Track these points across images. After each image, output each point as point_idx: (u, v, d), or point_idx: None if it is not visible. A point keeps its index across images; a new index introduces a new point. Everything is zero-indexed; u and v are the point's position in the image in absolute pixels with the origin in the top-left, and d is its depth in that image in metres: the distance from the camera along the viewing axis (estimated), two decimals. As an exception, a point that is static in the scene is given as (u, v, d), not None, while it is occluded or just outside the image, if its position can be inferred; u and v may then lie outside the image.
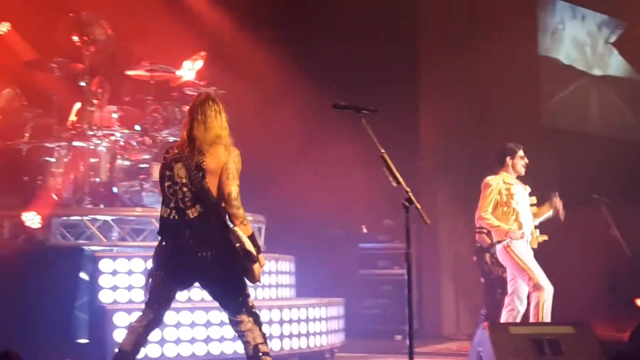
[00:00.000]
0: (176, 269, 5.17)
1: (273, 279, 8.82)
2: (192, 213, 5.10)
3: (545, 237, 9.42)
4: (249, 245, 5.09)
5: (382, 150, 5.07)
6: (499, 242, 7.63)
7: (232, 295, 5.16)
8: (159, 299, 5.22)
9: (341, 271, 11.68)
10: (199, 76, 9.64)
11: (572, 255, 9.75)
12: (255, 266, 5.12)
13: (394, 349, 9.80)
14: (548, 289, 7.43)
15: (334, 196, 11.35)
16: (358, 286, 11.68)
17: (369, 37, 11.83)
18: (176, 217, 5.13)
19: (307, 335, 8.34)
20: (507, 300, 7.68)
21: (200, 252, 5.08)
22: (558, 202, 7.94)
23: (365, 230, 11.98)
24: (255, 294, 8.49)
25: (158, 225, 5.31)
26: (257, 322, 5.19)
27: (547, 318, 7.42)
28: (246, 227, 5.12)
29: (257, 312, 5.25)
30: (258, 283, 8.23)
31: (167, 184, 5.19)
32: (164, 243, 5.22)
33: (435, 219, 10.02)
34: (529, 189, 7.93)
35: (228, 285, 5.15)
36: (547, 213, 8.58)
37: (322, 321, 8.60)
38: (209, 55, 9.76)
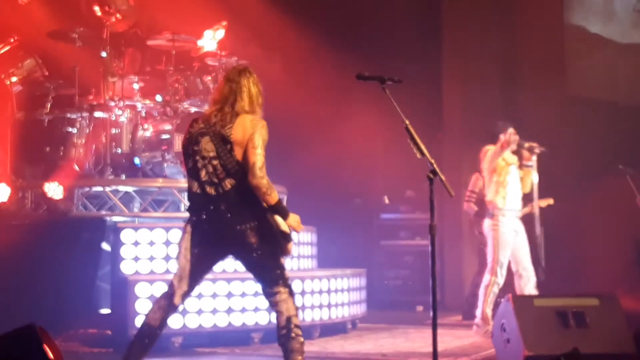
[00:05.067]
0: (213, 243, 5.10)
1: (294, 250, 8.79)
2: (225, 186, 5.03)
3: (550, 201, 9.57)
4: (283, 226, 5.07)
5: (407, 122, 5.00)
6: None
7: (271, 268, 5.11)
8: (194, 276, 5.14)
9: (363, 242, 11.67)
10: (221, 46, 9.58)
11: (597, 226, 9.68)
12: (289, 243, 5.11)
13: (415, 319, 9.81)
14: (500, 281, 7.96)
15: (356, 167, 11.30)
16: (379, 257, 11.67)
17: (393, 6, 11.70)
18: (209, 191, 5.06)
19: (329, 306, 8.34)
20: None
21: (239, 225, 5.01)
22: None
23: (387, 201, 11.94)
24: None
25: (187, 201, 5.23)
26: (292, 293, 5.16)
27: (489, 305, 7.94)
28: (271, 196, 5.06)
29: (291, 284, 5.22)
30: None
31: (195, 158, 5.13)
32: (195, 219, 5.12)
33: (459, 190, 9.92)
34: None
35: (266, 258, 5.09)
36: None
37: (343, 292, 8.59)
38: (230, 24, 9.68)
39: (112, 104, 8.79)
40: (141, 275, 7.45)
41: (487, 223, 8.18)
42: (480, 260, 10.22)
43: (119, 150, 8.87)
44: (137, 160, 8.75)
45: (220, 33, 9.61)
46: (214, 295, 7.49)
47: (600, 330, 5.97)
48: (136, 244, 7.60)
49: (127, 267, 7.53)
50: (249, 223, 5.02)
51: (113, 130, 8.83)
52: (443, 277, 11.92)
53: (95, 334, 7.68)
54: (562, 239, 11.53)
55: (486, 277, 8.08)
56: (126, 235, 7.59)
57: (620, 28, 13.22)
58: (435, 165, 4.90)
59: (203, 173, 5.07)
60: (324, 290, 8.30)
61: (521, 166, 8.21)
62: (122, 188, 8.48)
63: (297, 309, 5.16)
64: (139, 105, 8.92)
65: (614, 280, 7.54)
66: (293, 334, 5.07)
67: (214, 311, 7.48)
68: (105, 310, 7.85)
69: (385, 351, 7.44)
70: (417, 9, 12.11)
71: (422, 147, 4.95)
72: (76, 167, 8.62)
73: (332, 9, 11.71)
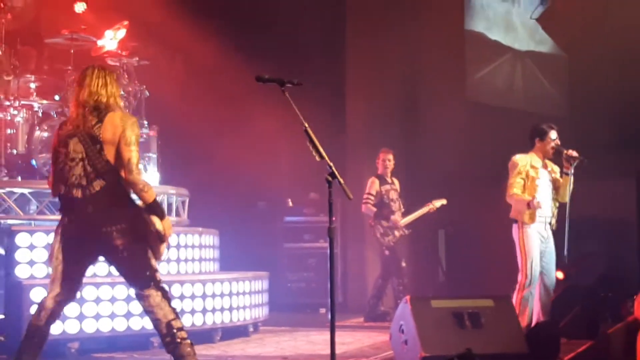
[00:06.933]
0: (81, 246, 5.06)
1: (197, 253, 8.72)
2: (93, 188, 4.98)
3: (443, 201, 9.79)
4: (159, 225, 5.02)
5: (306, 125, 5.01)
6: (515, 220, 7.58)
7: (140, 270, 5.07)
8: (70, 276, 5.09)
9: (266, 244, 11.66)
10: (121, 46, 9.45)
11: (492, 228, 9.91)
12: (162, 245, 5.07)
13: (318, 322, 9.85)
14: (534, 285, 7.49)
15: (259, 169, 11.29)
16: (283, 260, 11.68)
17: (296, 10, 11.73)
18: (76, 194, 5.00)
19: (231, 309, 8.30)
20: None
21: (104, 227, 4.97)
22: None
23: (290, 204, 11.96)
24: (178, 268, 8.43)
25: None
26: (166, 296, 5.12)
27: (525, 315, 7.36)
28: (148, 193, 5.03)
29: (166, 287, 5.18)
30: (170, 258, 8.22)
31: (64, 160, 5.06)
32: (66, 220, 5.10)
33: (361, 193, 10.04)
34: (556, 170, 7.77)
35: (135, 259, 5.05)
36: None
37: (245, 295, 8.56)
38: (131, 24, 9.56)
39: (7, 103, 8.55)
40: (37, 280, 7.26)
41: (514, 229, 7.63)
42: (382, 263, 10.34)
43: (15, 151, 8.64)
44: (33, 162, 8.54)
45: (122, 33, 9.49)
46: (112, 299, 7.35)
47: (495, 330, 6.13)
48: (32, 247, 7.40)
49: (21, 271, 7.33)
50: (116, 225, 4.98)
51: (8, 131, 8.60)
52: (346, 279, 12.02)
53: (-12, 340, 7.44)
54: (462, 241, 11.78)
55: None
56: (21, 239, 7.38)
57: (518, 35, 13.60)
58: (333, 168, 4.92)
59: (71, 175, 5.01)
60: (225, 294, 8.25)
61: (561, 174, 7.65)
62: (18, 190, 8.25)
63: (174, 311, 5.12)
64: (35, 105, 8.71)
65: (508, 282, 7.74)
66: (178, 339, 5.04)
67: (112, 315, 7.35)
68: (-2, 316, 7.61)
69: (286, 354, 7.45)
70: (322, 13, 12.17)
71: (321, 150, 4.97)
72: (-31, 169, 8.35)
73: (236, 9, 11.66)
